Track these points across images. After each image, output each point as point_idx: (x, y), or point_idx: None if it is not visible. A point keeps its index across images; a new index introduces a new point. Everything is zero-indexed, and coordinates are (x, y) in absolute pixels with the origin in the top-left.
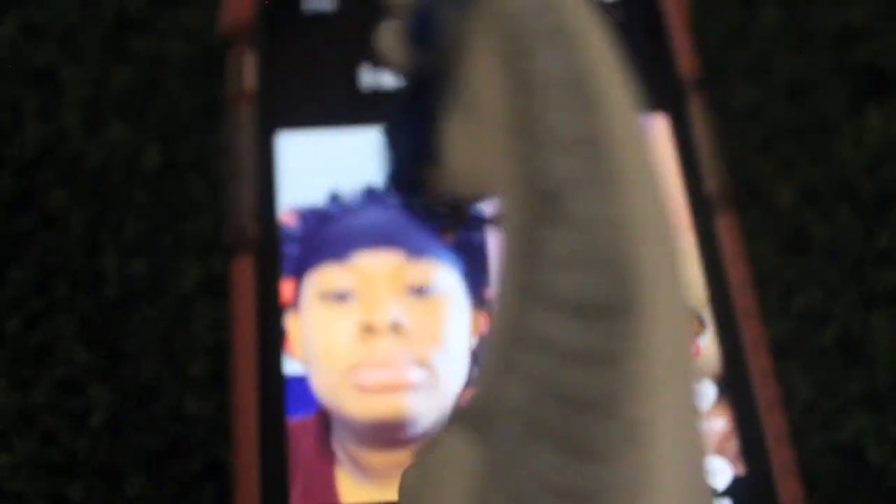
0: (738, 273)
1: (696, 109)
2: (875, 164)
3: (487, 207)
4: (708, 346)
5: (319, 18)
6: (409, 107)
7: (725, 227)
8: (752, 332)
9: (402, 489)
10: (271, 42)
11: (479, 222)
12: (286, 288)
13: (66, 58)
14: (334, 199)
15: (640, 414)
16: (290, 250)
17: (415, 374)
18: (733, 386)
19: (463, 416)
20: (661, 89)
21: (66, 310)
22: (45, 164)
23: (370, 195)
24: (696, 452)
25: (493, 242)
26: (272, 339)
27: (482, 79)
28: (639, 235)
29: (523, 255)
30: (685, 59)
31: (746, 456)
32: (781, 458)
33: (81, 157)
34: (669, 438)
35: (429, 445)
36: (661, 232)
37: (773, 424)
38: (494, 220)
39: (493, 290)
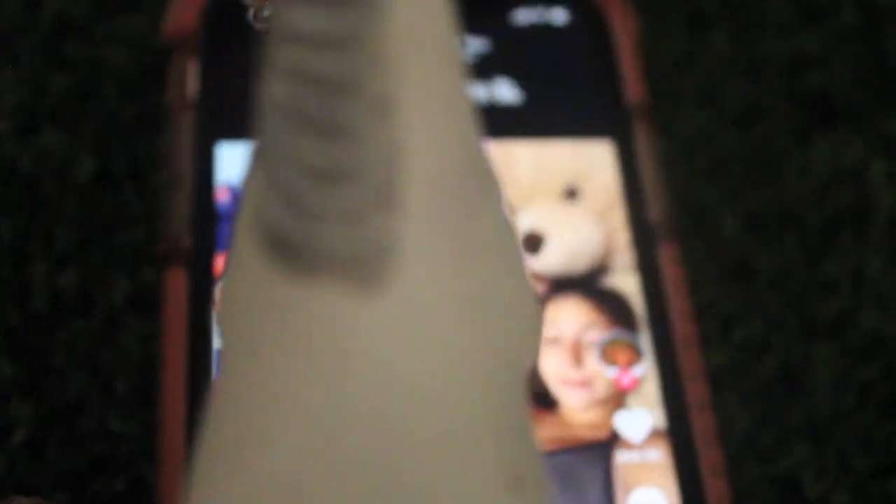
0: (678, 302)
1: (643, 136)
2: (821, 193)
3: None
4: (646, 375)
5: (263, 29)
6: None
7: (667, 256)
8: (690, 362)
9: None
10: (214, 51)
11: None
12: (220, 261)
13: (0, 61)
14: None
15: (387, 90)
16: (224, 229)
17: None
18: (670, 416)
19: (254, 146)
20: (607, 115)
21: None
22: None
23: None
24: (458, 131)
25: None
26: (203, 356)
27: None
28: None
29: None
30: (633, 85)
31: (682, 487)
32: (717, 489)
33: (12, 164)
34: (423, 113)
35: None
36: None
37: (710, 456)
38: None
39: None
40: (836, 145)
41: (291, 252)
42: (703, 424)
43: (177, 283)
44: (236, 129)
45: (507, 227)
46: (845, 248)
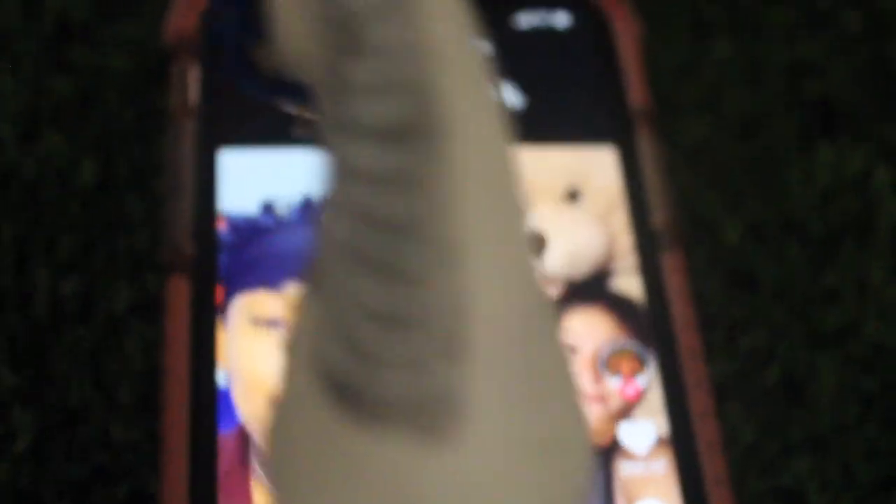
0: (682, 312)
1: (646, 142)
2: (824, 201)
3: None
4: (650, 385)
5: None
6: None
7: (671, 265)
8: (695, 371)
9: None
10: (216, 56)
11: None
12: (221, 270)
13: (1, 66)
14: (268, 210)
15: (451, 235)
16: (221, 259)
17: None
18: (674, 426)
19: (309, 274)
20: (610, 121)
21: None
22: None
23: (308, 210)
24: (521, 271)
25: None
26: (205, 364)
27: None
28: (440, 60)
29: (331, 90)
30: (636, 91)
31: (686, 498)
32: (721, 500)
33: (14, 169)
34: (487, 258)
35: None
36: (464, 58)
37: (713, 466)
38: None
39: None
40: (839, 152)
41: (354, 397)
42: (707, 434)
43: (179, 291)
44: (238, 135)
45: (562, 359)
46: (849, 257)
